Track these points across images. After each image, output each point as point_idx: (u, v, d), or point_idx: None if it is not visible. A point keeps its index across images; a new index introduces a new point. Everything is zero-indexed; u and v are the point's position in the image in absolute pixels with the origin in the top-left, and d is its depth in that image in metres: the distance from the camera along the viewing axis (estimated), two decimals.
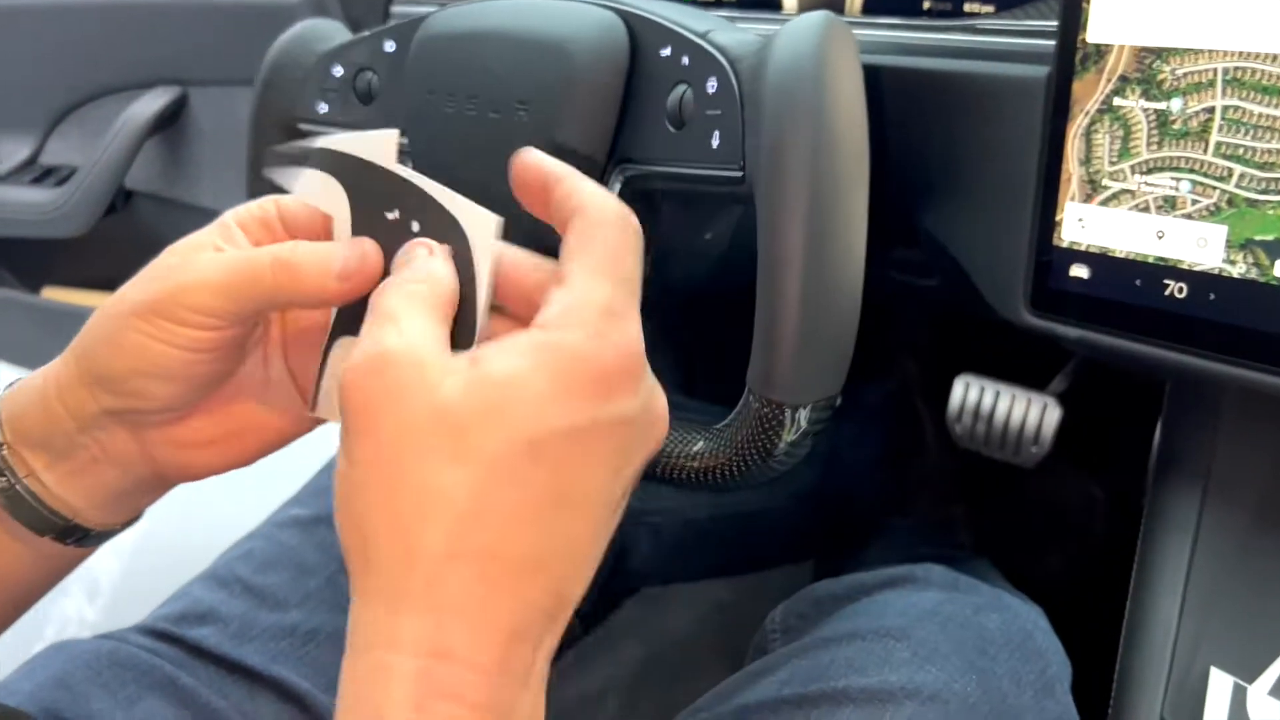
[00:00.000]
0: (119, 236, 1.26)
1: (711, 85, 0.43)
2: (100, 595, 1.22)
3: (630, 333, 0.34)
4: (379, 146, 0.40)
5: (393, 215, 0.39)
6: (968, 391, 0.90)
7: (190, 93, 1.14)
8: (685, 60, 0.44)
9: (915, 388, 1.13)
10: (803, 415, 0.41)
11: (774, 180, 0.39)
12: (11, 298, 1.31)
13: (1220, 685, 0.51)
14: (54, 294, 1.33)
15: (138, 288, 0.40)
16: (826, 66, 0.40)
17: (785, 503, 1.02)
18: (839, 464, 1.06)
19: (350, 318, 0.41)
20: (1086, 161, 0.50)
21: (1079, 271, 0.51)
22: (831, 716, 0.49)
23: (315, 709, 0.60)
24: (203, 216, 1.26)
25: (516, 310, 0.38)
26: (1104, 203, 0.50)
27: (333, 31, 0.61)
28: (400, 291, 0.36)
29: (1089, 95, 0.49)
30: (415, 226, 0.39)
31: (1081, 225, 0.50)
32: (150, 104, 1.11)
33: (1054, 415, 0.87)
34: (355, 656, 0.32)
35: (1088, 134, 0.49)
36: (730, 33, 0.45)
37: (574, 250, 0.35)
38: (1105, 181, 0.49)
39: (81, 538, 0.44)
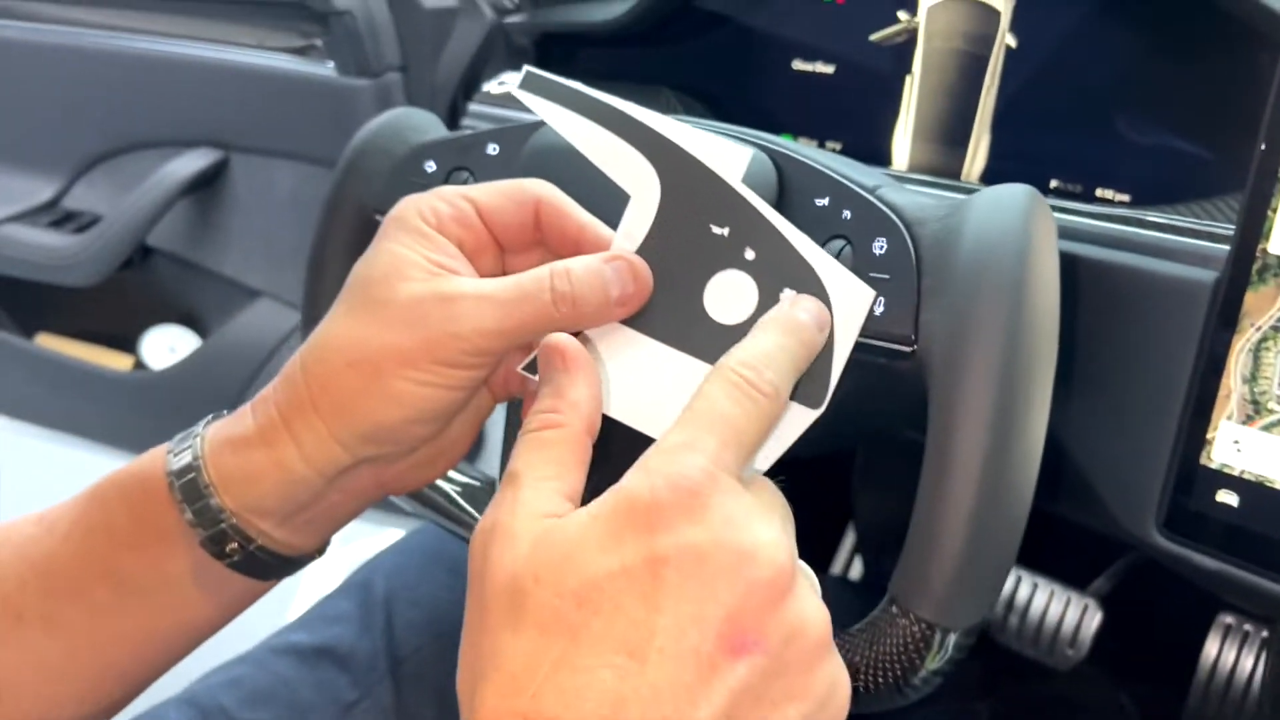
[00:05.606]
0: (128, 292, 1.20)
1: (879, 246, 0.39)
2: None
3: (683, 461, 0.32)
4: (731, 159, 0.39)
5: (720, 231, 0.39)
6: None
7: (232, 158, 1.09)
8: (847, 214, 0.40)
9: None
10: (952, 639, 0.35)
11: (958, 362, 0.34)
12: (3, 340, 1.24)
13: None
14: (48, 342, 1.26)
15: (391, 334, 0.37)
16: (1031, 242, 0.36)
17: None
18: None
19: None
20: (1252, 380, 0.45)
21: (1227, 498, 0.46)
22: None
23: None
24: (221, 284, 1.18)
25: None
26: (1267, 428, 0.45)
27: (427, 124, 0.56)
28: (523, 442, 0.35)
29: (1263, 310, 0.44)
30: (750, 254, 0.38)
31: (1237, 449, 0.46)
32: (191, 163, 1.07)
33: (1094, 619, 0.82)
34: None
35: (1256, 350, 0.45)
36: (903, 193, 0.41)
37: None
38: (1272, 405, 0.45)
39: (293, 569, 0.44)
